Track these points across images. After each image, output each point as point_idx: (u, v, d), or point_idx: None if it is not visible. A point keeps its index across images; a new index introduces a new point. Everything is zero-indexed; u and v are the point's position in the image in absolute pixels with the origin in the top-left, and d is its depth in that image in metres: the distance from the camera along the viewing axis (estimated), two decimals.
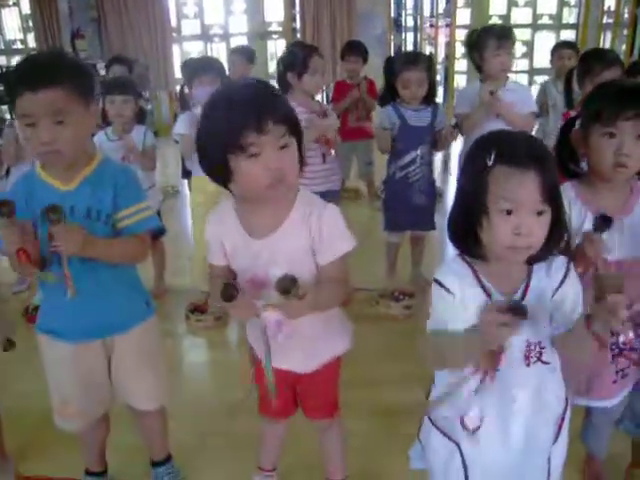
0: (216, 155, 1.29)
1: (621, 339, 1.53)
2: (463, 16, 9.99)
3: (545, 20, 9.83)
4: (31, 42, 9.32)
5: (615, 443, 1.89)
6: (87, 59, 7.79)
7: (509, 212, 1.10)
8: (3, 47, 10.15)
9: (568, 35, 9.13)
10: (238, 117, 1.24)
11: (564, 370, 1.31)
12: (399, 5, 8.29)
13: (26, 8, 9.03)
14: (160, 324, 2.96)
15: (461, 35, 10.55)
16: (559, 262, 1.23)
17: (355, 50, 4.65)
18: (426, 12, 8.78)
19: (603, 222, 1.38)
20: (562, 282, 1.21)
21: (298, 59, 2.85)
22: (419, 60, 3.03)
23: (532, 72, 9.76)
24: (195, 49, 10.24)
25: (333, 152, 3.18)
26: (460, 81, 9.25)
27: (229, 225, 1.44)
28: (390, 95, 3.03)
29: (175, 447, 2.06)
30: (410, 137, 2.98)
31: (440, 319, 1.22)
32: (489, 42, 2.83)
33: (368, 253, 3.41)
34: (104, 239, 1.55)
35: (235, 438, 2.15)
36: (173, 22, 9.63)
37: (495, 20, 10.11)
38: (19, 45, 10.01)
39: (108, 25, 8.35)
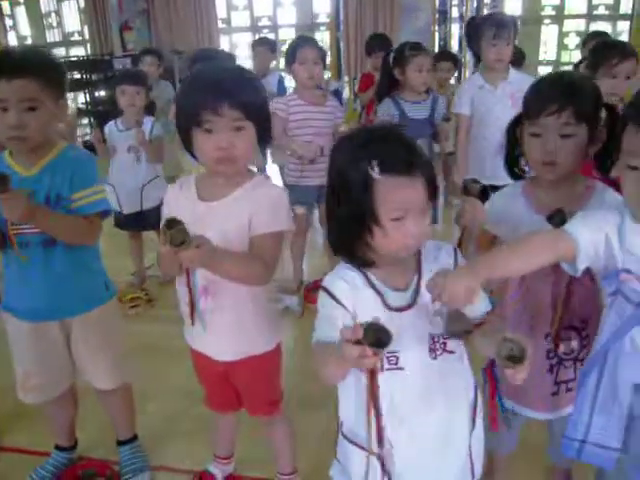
0: (182, 125, 1.45)
1: (561, 349, 1.50)
2: (514, 7, 9.72)
3: (601, 10, 9.42)
4: (87, 34, 9.68)
5: None
6: (135, 50, 8.03)
7: (399, 219, 1.10)
8: (62, 39, 10.62)
9: (626, 26, 8.74)
10: (199, 96, 1.39)
11: None
12: None
13: (83, 1, 9.39)
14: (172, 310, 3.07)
15: None
16: (447, 250, 1.25)
17: (380, 45, 4.60)
18: (474, 3, 8.54)
19: (557, 215, 1.30)
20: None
21: (288, 51, 2.88)
22: (425, 47, 3.08)
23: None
24: (244, 40, 10.39)
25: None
26: None
27: (184, 191, 1.54)
28: (387, 89, 3.01)
29: (147, 428, 2.15)
30: (409, 130, 2.91)
31: (324, 329, 1.17)
32: (486, 31, 2.76)
33: None
34: (52, 212, 1.62)
35: (205, 423, 2.19)
36: (223, 14, 9.80)
37: (548, 11, 9.81)
38: (77, 37, 10.43)
39: (157, 17, 8.58)
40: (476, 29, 2.94)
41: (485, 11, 8.65)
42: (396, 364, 1.19)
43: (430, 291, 1.12)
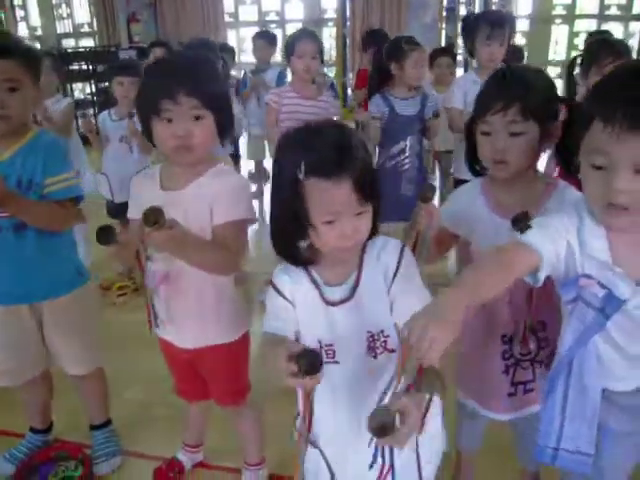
0: (142, 114, 1.46)
1: (517, 349, 1.49)
2: (525, 6, 9.67)
3: (613, 10, 9.34)
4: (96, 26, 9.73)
5: None
6: (141, 43, 8.08)
7: (331, 222, 1.09)
8: (72, 30, 10.69)
9: (638, 27, 8.66)
10: (157, 84, 1.41)
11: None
12: None
13: None
14: None
15: (523, 25, 10.22)
16: (391, 245, 1.20)
17: (376, 40, 4.59)
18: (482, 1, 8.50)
19: (522, 220, 1.25)
20: (397, 269, 1.17)
21: (288, 43, 2.88)
22: (419, 43, 3.04)
23: None
24: (251, 35, 10.40)
25: None
26: None
27: (149, 181, 1.55)
28: (378, 84, 3.00)
29: (123, 415, 2.19)
30: (399, 126, 2.94)
31: (269, 321, 1.21)
32: (481, 30, 2.73)
33: None
34: (26, 199, 1.63)
35: (180, 411, 2.21)
36: (231, 8, 9.83)
37: (559, 10, 9.74)
38: (86, 28, 10.49)
39: (164, 10, 8.61)
40: (471, 27, 2.91)
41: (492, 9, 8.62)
42: (333, 357, 1.19)
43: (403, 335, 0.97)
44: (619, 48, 2.65)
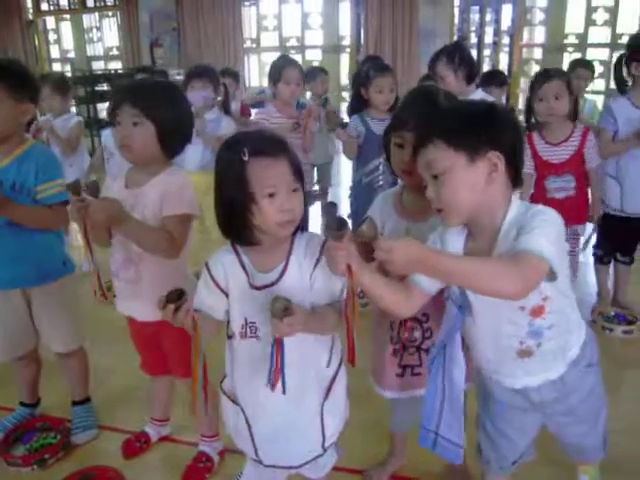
0: (109, 119, 1.78)
1: (405, 335, 1.70)
2: (538, 34, 9.90)
3: (625, 40, 9.48)
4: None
5: None
6: (164, 66, 8.49)
7: (272, 195, 1.29)
8: (102, 53, 11.24)
9: None
10: (116, 97, 1.78)
11: None
12: (462, 22, 8.35)
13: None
14: None
15: (536, 54, 10.43)
16: (317, 239, 1.41)
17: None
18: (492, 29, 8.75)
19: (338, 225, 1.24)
20: (319, 258, 1.38)
21: (274, 70, 3.17)
22: (388, 68, 3.33)
23: (609, 93, 9.47)
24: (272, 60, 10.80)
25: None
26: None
27: (117, 182, 1.85)
28: (358, 105, 3.26)
29: (105, 398, 2.47)
30: (374, 145, 3.16)
31: (204, 300, 1.42)
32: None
33: None
34: (21, 205, 1.90)
35: None
36: (253, 34, 10.27)
37: (571, 39, 9.93)
38: (115, 52, 11.04)
39: (186, 36, 9.04)
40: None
41: (504, 37, 8.87)
42: (255, 333, 1.40)
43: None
44: (548, 73, 2.88)
